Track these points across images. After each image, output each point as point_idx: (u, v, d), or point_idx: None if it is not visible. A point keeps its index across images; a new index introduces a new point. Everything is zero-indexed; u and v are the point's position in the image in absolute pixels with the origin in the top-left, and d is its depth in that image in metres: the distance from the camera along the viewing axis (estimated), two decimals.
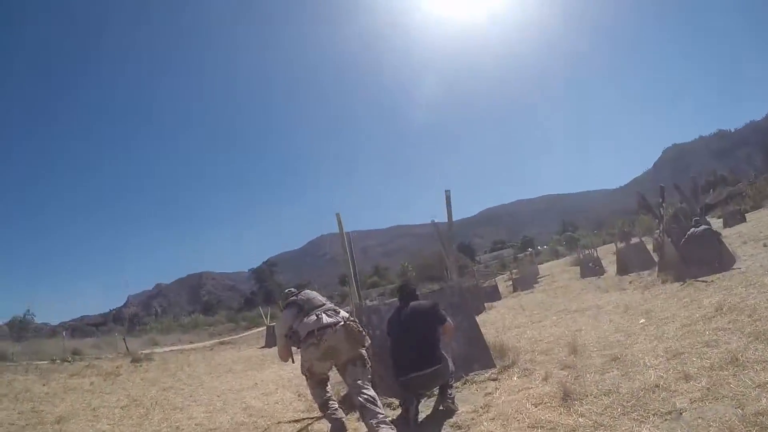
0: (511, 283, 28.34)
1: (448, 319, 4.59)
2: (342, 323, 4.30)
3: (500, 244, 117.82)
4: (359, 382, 4.18)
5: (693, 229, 10.76)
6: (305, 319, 4.34)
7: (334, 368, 4.47)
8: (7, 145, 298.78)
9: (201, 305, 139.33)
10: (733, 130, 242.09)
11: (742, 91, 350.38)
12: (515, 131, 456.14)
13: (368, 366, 4.35)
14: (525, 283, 25.75)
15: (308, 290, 4.83)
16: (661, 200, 11.56)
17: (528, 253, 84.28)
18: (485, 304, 17.36)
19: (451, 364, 4.58)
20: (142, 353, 21.67)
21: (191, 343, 39.27)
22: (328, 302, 4.61)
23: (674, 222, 12.68)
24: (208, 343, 36.36)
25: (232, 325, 67.38)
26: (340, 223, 5.35)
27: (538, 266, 43.07)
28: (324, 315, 4.33)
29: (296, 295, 4.67)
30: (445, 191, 5.45)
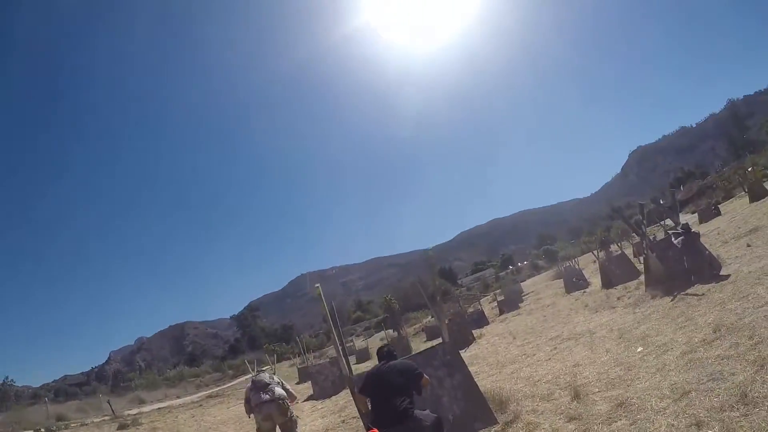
0: (496, 305, 28.09)
1: (424, 375, 4.63)
2: (275, 402, 6.66)
3: (481, 265, 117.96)
4: None
5: (675, 240, 10.68)
6: (254, 395, 6.78)
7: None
8: None
9: (185, 356, 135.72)
10: (694, 125, 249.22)
11: (699, 86, 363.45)
12: (483, 151, 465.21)
13: (295, 426, 6.97)
14: (511, 303, 25.53)
15: (263, 374, 7.19)
16: (641, 217, 11.50)
17: (509, 270, 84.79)
18: (473, 332, 16.92)
19: (437, 421, 4.29)
20: (128, 415, 20.66)
21: (178, 397, 37.98)
22: (273, 382, 6.96)
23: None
24: (195, 396, 35.10)
25: (218, 374, 65.60)
26: (320, 294, 5.08)
27: (521, 284, 43.15)
28: (263, 395, 6.70)
29: (256, 375, 7.15)
30: (428, 251, 5.18)
